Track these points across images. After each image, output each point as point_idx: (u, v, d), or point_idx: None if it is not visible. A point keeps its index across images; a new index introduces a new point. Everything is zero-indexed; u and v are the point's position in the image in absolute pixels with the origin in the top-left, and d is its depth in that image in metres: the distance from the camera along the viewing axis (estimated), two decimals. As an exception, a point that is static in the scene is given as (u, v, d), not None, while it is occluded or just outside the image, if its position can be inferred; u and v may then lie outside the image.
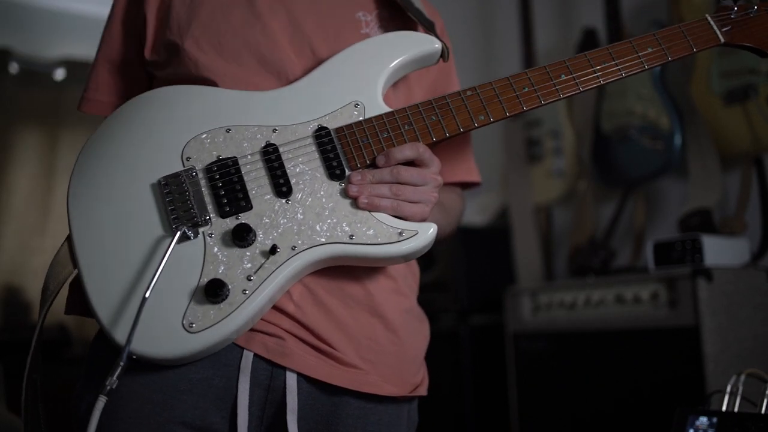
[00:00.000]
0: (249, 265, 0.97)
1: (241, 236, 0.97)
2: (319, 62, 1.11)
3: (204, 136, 1.03)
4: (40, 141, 4.05)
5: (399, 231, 1.00)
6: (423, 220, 1.03)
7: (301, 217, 1.00)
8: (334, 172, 1.02)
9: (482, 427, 2.44)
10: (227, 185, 1.00)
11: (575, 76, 1.10)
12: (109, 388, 0.90)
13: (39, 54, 4.07)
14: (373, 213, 1.00)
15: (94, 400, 0.91)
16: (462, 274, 2.57)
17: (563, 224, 2.79)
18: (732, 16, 1.16)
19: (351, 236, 0.99)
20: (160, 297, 0.95)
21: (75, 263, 1.00)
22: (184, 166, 1.01)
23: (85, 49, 4.15)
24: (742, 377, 1.41)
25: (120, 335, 0.94)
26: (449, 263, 2.60)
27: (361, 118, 1.05)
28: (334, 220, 1.00)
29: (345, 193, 1.01)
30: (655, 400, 1.86)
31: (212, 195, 1.00)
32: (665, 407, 1.73)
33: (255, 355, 1.01)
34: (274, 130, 1.04)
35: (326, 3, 1.16)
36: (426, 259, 2.44)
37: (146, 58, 1.14)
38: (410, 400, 1.16)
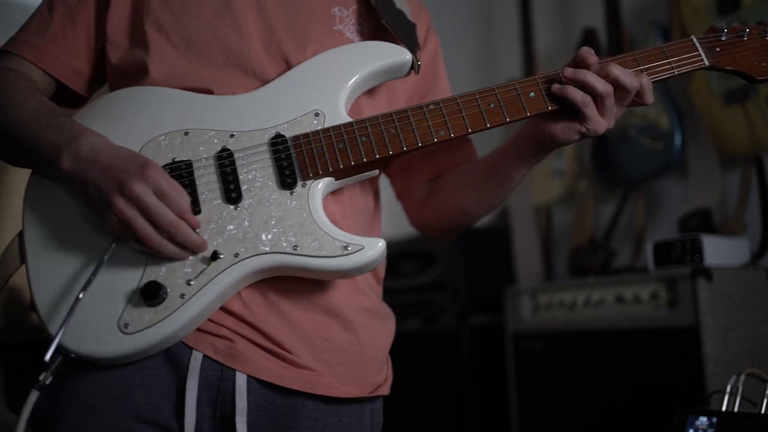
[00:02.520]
0: (190, 269, 0.97)
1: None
2: (285, 59, 1.09)
3: (162, 138, 1.03)
4: (40, 141, 4.04)
5: (344, 245, 0.98)
6: (591, 135, 1.04)
7: (248, 224, 0.99)
8: (285, 180, 1.01)
9: (482, 426, 2.44)
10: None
11: (546, 95, 1.06)
12: (41, 383, 0.92)
13: None
14: (320, 225, 0.99)
15: (37, 397, 0.93)
16: (462, 274, 2.57)
17: (563, 224, 2.79)
18: (722, 39, 1.11)
19: (295, 247, 0.98)
20: (99, 296, 0.96)
21: (23, 258, 1.01)
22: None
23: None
24: (742, 377, 1.41)
25: (55, 330, 0.94)
26: (449, 263, 2.60)
27: (319, 128, 1.04)
28: (280, 230, 0.99)
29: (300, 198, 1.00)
30: (655, 400, 1.86)
31: None
32: (665, 407, 1.73)
33: (204, 355, 1.00)
34: (232, 135, 1.03)
35: None
36: (426, 259, 2.45)
37: (108, 34, 1.11)
38: (372, 401, 1.13)
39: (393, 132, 1.04)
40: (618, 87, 1.02)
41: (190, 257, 0.97)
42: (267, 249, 0.98)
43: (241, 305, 1.01)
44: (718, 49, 1.11)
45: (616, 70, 1.02)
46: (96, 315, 0.95)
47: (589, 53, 1.05)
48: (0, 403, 2.05)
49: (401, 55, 1.09)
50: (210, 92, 1.06)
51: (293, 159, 1.02)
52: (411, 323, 2.74)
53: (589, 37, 2.53)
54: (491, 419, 2.44)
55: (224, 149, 1.02)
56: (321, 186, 1.02)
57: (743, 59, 1.11)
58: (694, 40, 1.11)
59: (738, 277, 1.87)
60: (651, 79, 1.06)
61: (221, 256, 0.97)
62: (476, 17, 3.28)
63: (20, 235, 1.03)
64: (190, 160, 1.01)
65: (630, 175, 2.36)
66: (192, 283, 0.96)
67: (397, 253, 2.87)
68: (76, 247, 0.99)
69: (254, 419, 1.00)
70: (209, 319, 1.00)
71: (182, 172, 1.00)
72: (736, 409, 1.39)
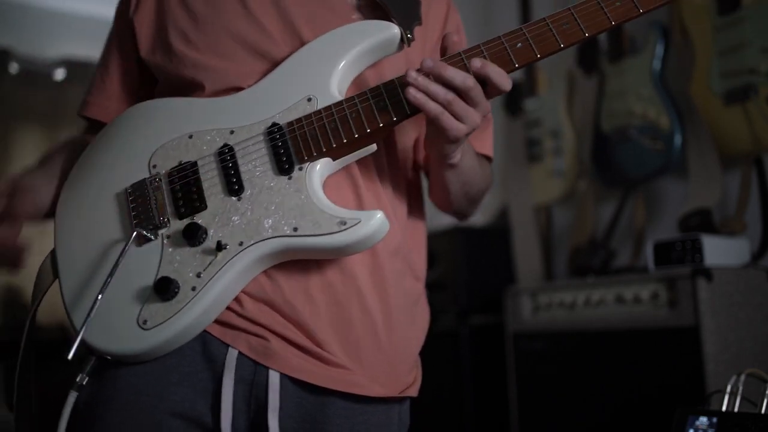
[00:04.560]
0: (198, 262, 1.01)
1: (191, 235, 1.01)
2: None
3: (169, 143, 1.08)
4: (40, 141, 4.05)
5: (340, 220, 0.99)
6: (456, 139, 1.02)
7: (250, 213, 1.02)
8: (282, 166, 1.03)
9: (482, 427, 2.44)
10: (185, 188, 1.05)
11: (509, 46, 1.04)
12: (79, 383, 0.97)
13: (39, 54, 4.06)
14: (317, 204, 1.00)
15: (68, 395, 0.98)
16: (462, 274, 2.57)
17: (563, 224, 2.79)
18: None
19: (295, 229, 1.00)
20: (120, 296, 1.01)
21: (56, 273, 1.07)
22: (150, 174, 1.07)
23: (85, 49, 4.14)
24: (742, 377, 1.41)
25: (86, 334, 0.99)
26: (449, 263, 2.60)
27: (311, 111, 1.05)
28: (280, 214, 1.01)
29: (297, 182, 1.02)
30: (655, 400, 1.86)
31: (171, 198, 1.05)
32: (665, 407, 1.73)
33: (240, 352, 1.03)
34: (232, 132, 1.07)
35: None
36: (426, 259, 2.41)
37: (143, 58, 1.17)
38: (401, 401, 1.14)
39: (382, 104, 1.04)
40: (455, 89, 0.99)
41: (199, 250, 1.01)
42: (269, 234, 1.00)
43: (282, 301, 1.03)
44: None
45: (449, 72, 0.99)
46: (119, 315, 1.00)
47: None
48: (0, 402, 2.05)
49: (386, 30, 1.08)
50: (241, 89, 1.11)
51: (288, 145, 1.04)
52: (411, 323, 2.73)
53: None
54: (491, 419, 2.44)
55: (225, 145, 1.06)
56: (319, 168, 1.03)
57: None
58: None
59: (738, 277, 1.87)
60: (590, 34, 1.03)
61: (227, 246, 1.00)
62: (476, 17, 3.28)
63: (53, 252, 1.09)
64: (195, 161, 1.06)
65: (630, 175, 2.36)
66: (202, 275, 0.99)
67: (397, 253, 2.87)
68: (97, 252, 1.05)
69: (286, 415, 1.03)
70: (246, 318, 1.03)
71: (188, 173, 1.05)
72: (736, 409, 1.39)
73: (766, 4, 1.99)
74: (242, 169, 1.04)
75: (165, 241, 1.03)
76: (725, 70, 2.07)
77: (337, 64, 1.08)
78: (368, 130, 1.03)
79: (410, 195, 1.21)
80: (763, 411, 1.36)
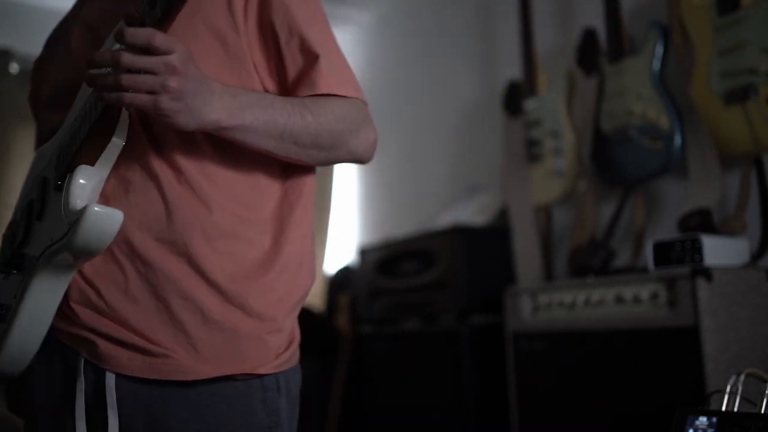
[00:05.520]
0: (13, 284, 1.08)
1: (13, 263, 1.09)
2: None
3: (28, 187, 1.20)
4: (40, 141, 4.06)
5: (69, 222, 0.99)
6: (159, 109, 0.96)
7: (40, 232, 1.08)
8: (57, 184, 1.08)
9: (482, 426, 2.44)
10: (21, 221, 1.15)
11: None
12: None
13: (39, 54, 4.07)
14: (63, 210, 1.02)
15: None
16: (462, 274, 2.57)
17: (563, 224, 2.79)
18: None
19: (51, 239, 1.02)
20: None
21: None
22: (15, 216, 1.21)
23: (85, 49, 4.14)
24: (742, 377, 1.41)
25: None
26: (449, 263, 2.60)
27: None
28: (51, 228, 1.04)
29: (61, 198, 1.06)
30: (655, 400, 1.86)
31: (19, 232, 1.16)
32: (665, 407, 1.73)
33: (85, 358, 1.06)
34: (50, 163, 1.14)
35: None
36: (426, 259, 2.46)
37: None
38: (262, 383, 1.09)
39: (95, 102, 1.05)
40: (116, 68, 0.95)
41: (18, 275, 1.08)
42: (42, 249, 1.04)
43: (102, 301, 1.06)
44: None
45: (96, 60, 0.97)
46: None
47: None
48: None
49: (119, 26, 0.99)
50: None
51: (63, 162, 1.10)
52: (411, 323, 2.74)
53: (588, 37, 2.54)
54: (491, 419, 2.44)
55: (43, 177, 1.14)
56: (79, 177, 1.03)
57: None
58: None
59: (738, 277, 1.87)
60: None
61: (24, 267, 1.07)
62: (476, 18, 3.28)
63: None
64: (32, 197, 1.16)
65: (630, 175, 2.35)
66: (16, 296, 1.06)
67: (397, 253, 2.87)
68: None
69: (130, 414, 1.04)
70: (81, 325, 1.06)
71: (26, 209, 1.17)
72: (736, 409, 1.39)
73: (766, 4, 1.99)
74: (50, 194, 1.10)
75: (11, 272, 1.11)
76: (725, 70, 2.07)
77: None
78: (88, 129, 1.05)
79: (227, 164, 1.12)
80: (763, 411, 1.36)
